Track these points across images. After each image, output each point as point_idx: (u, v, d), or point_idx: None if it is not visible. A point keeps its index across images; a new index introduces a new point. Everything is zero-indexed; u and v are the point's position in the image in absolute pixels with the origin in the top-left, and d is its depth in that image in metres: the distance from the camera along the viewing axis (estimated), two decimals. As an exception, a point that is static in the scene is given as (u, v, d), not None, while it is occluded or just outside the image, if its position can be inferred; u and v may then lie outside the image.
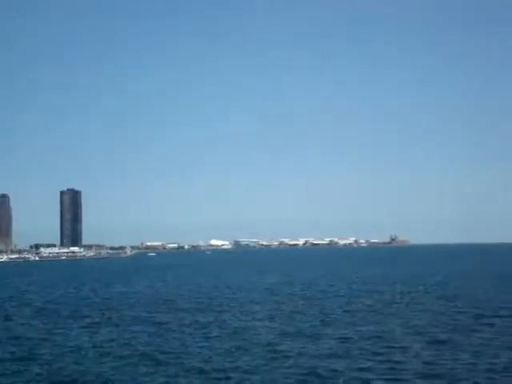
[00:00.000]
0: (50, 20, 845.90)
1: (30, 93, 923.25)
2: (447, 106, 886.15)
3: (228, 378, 32.45)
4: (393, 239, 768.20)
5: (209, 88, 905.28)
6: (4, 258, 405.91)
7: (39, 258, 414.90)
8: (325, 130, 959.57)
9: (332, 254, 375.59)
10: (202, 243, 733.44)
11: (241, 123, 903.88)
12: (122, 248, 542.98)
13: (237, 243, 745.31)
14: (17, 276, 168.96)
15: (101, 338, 46.12)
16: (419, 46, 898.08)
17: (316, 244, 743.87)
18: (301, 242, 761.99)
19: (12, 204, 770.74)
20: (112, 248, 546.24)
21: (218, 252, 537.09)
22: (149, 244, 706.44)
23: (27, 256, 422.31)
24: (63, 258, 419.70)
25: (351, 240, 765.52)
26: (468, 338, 43.66)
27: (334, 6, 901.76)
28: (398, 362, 35.80)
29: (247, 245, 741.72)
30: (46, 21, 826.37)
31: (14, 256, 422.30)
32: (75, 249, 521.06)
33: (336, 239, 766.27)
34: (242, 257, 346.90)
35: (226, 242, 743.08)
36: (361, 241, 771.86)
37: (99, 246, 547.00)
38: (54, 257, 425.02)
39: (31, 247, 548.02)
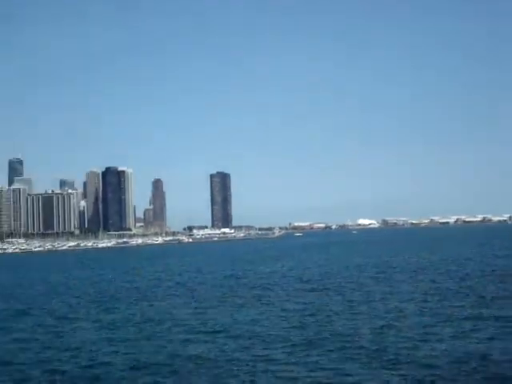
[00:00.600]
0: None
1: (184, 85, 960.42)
2: None
3: None
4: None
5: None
6: (159, 239, 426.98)
7: (192, 239, 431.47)
8: None
9: (487, 232, 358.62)
10: (349, 222, 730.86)
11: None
12: (270, 229, 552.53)
13: (385, 222, 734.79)
14: (172, 256, 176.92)
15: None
16: None
17: (468, 222, 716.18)
18: (452, 219, 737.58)
19: (165, 188, 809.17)
20: (261, 229, 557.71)
21: (365, 231, 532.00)
22: (296, 224, 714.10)
23: (181, 238, 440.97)
24: (215, 239, 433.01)
25: (505, 217, 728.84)
26: None
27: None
28: None
29: (395, 223, 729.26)
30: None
31: (168, 238, 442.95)
32: (226, 230, 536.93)
33: (490, 216, 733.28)
34: (389, 235, 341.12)
35: (374, 221, 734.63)
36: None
37: (249, 227, 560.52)
38: (206, 238, 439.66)
39: (184, 229, 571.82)
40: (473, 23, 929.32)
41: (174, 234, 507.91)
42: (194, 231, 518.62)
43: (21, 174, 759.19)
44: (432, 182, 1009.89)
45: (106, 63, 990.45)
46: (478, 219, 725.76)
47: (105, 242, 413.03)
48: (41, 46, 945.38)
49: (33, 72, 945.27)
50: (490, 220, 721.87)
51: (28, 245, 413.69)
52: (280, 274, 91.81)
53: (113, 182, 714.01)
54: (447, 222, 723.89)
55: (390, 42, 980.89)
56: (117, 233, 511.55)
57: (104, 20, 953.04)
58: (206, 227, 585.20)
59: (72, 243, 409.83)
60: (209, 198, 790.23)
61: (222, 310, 51.85)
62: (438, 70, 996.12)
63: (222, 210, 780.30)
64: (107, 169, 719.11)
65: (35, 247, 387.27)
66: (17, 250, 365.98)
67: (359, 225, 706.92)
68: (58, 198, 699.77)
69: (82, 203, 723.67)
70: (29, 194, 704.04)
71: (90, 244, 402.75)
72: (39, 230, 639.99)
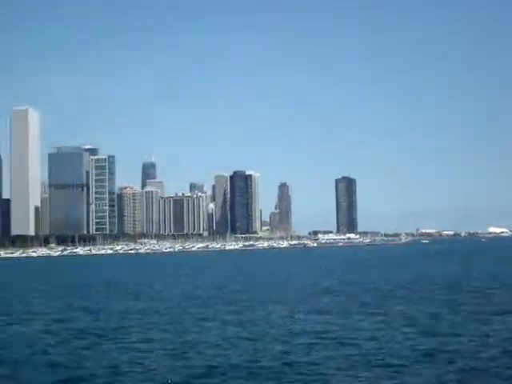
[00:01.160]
0: None
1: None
2: None
3: None
4: None
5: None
6: (285, 243, 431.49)
7: (317, 244, 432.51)
8: None
9: None
10: (479, 230, 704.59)
11: None
12: (396, 235, 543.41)
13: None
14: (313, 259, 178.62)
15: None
16: None
17: None
18: None
19: (291, 192, 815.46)
20: (387, 235, 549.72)
21: (497, 239, 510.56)
22: (424, 231, 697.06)
23: (306, 242, 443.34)
24: (340, 244, 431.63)
25: None
26: None
27: None
28: None
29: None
30: None
31: (293, 242, 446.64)
32: (351, 235, 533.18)
33: None
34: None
35: (506, 230, 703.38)
36: None
37: (374, 233, 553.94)
38: (331, 243, 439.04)
39: (309, 234, 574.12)
40: None
41: (299, 238, 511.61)
42: (319, 236, 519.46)
43: (153, 178, 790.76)
44: None
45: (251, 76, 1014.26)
46: None
47: (232, 245, 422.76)
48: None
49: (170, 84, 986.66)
50: None
51: (159, 245, 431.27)
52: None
53: (240, 185, 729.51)
54: None
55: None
56: (243, 236, 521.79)
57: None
58: (331, 232, 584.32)
59: (201, 245, 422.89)
60: (334, 202, 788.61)
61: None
62: None
63: (347, 215, 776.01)
64: (235, 173, 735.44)
65: (166, 248, 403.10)
66: (149, 251, 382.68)
67: (490, 233, 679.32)
68: (188, 200, 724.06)
69: (211, 206, 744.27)
70: (161, 197, 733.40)
71: (217, 246, 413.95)
72: (170, 231, 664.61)
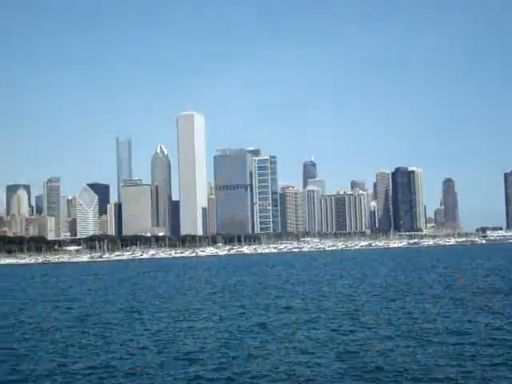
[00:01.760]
0: None
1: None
2: None
3: None
4: None
5: None
6: (451, 241, 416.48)
7: (486, 241, 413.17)
8: None
9: None
10: None
11: None
12: None
13: None
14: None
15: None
16: None
17: None
18: None
19: (457, 188, 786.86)
20: None
21: None
22: None
23: (474, 239, 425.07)
24: (510, 241, 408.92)
25: None
26: None
27: None
28: None
29: None
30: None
31: (460, 239, 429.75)
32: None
33: None
34: None
35: None
36: None
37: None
38: (501, 240, 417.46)
39: (477, 230, 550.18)
40: None
41: (466, 235, 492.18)
42: (488, 232, 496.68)
43: (314, 176, 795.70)
44: None
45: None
46: None
47: (396, 242, 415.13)
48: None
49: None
50: None
51: (322, 244, 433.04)
52: None
53: (403, 182, 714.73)
54: None
55: None
56: (407, 233, 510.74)
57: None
58: (501, 229, 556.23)
59: (364, 243, 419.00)
60: (503, 197, 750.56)
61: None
62: None
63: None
64: (397, 169, 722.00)
65: (329, 246, 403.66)
66: (312, 249, 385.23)
67: None
68: (350, 198, 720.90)
69: (373, 204, 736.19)
70: (322, 196, 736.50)
71: (381, 244, 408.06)
72: (332, 229, 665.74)
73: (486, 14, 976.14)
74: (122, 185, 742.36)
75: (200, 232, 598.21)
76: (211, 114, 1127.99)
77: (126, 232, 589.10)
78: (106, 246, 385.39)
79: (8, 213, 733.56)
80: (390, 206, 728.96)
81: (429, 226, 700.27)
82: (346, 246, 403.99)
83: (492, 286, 75.39)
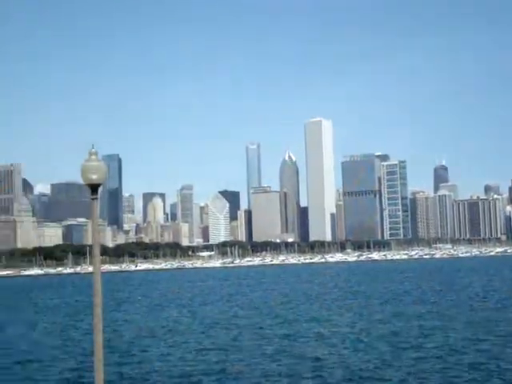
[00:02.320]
0: None
1: None
2: None
3: None
4: None
5: None
6: None
7: None
8: None
9: None
10: None
11: None
12: None
13: None
14: None
15: None
16: None
17: None
18: None
19: None
20: None
21: None
22: None
23: None
24: None
25: None
26: None
27: None
28: None
29: None
30: None
31: None
32: None
33: None
34: None
35: None
36: None
37: None
38: None
39: None
40: None
41: None
42: None
43: (446, 181, 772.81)
44: None
45: None
46: None
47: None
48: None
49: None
50: None
51: (455, 250, 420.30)
52: None
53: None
54: None
55: None
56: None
57: None
58: None
59: (499, 249, 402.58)
60: None
61: None
62: None
63: None
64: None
65: (462, 253, 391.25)
66: (444, 256, 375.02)
67: None
68: (484, 203, 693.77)
69: (508, 208, 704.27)
70: (454, 200, 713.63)
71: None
72: (465, 235, 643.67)
73: None
74: (251, 192, 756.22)
75: (329, 238, 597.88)
76: (338, 119, 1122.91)
77: (255, 238, 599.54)
78: (237, 252, 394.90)
79: (144, 220, 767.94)
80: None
81: None
82: (481, 252, 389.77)
83: None
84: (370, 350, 40.13)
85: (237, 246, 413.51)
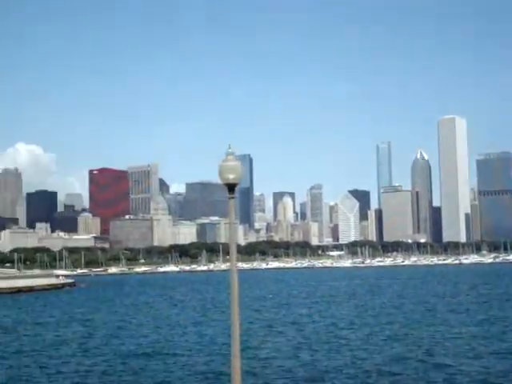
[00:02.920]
0: None
1: None
2: None
3: None
4: None
5: None
6: None
7: None
8: None
9: None
10: None
11: None
12: None
13: None
14: None
15: None
16: None
17: None
18: None
19: None
20: None
21: None
22: None
23: None
24: None
25: None
26: None
27: None
28: None
29: None
30: None
31: None
32: None
33: None
34: None
35: None
36: None
37: None
38: None
39: None
40: None
41: None
42: None
43: None
44: None
45: None
46: None
47: None
48: None
49: None
50: None
51: None
52: None
53: None
54: None
55: None
56: None
57: None
58: None
59: None
60: None
61: None
62: None
63: None
64: None
65: None
66: None
67: None
68: None
69: None
70: None
71: None
72: None
73: None
74: (382, 191, 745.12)
75: (463, 239, 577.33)
76: (472, 116, 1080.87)
77: (386, 238, 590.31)
78: (367, 252, 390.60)
79: (274, 219, 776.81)
80: None
81: None
82: None
83: None
84: None
85: (367, 246, 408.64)
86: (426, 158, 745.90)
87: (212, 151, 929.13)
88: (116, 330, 61.64)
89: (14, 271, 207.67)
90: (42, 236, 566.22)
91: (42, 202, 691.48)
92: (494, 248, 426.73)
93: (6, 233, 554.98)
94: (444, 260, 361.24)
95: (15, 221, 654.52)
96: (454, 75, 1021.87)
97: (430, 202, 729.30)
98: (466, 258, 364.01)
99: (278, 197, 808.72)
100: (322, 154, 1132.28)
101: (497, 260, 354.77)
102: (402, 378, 33.60)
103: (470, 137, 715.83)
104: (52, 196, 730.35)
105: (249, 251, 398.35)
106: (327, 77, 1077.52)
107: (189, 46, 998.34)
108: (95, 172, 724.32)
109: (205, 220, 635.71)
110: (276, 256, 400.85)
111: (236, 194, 13.99)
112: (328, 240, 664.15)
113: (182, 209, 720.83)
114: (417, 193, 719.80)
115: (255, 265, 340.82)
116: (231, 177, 13.86)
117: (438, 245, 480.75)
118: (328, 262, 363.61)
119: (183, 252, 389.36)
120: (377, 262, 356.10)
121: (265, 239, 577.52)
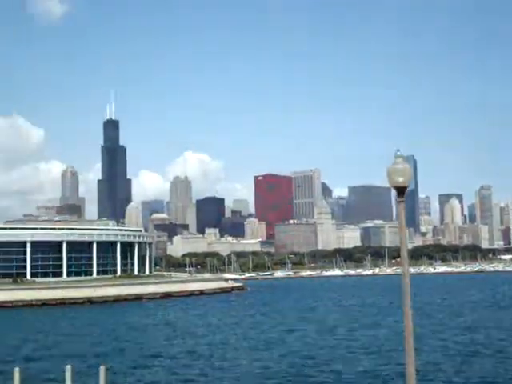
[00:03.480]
0: None
1: None
2: None
3: None
4: None
5: None
6: None
7: None
8: None
9: None
10: None
11: None
12: None
13: None
14: None
15: None
16: None
17: None
18: None
19: None
20: None
21: None
22: None
23: None
24: None
25: None
26: None
27: None
28: None
29: None
30: None
31: None
32: None
33: None
34: None
35: None
36: None
37: None
38: None
39: None
40: None
41: None
42: None
43: None
44: None
45: None
46: None
47: None
48: None
49: None
50: None
51: None
52: None
53: None
54: None
55: None
56: None
57: None
58: None
59: None
60: None
61: None
62: None
63: None
64: None
65: None
66: None
67: None
68: None
69: None
70: None
71: None
72: None
73: None
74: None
75: None
76: None
77: None
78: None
79: (441, 222, 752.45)
80: None
81: None
82: None
83: None
84: None
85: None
86: None
87: (373, 155, 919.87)
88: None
89: (185, 275, 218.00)
90: (212, 241, 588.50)
91: (210, 208, 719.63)
92: None
93: (177, 238, 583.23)
94: None
95: (186, 227, 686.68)
96: None
97: None
98: None
99: (443, 199, 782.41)
100: (490, 153, 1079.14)
101: None
102: None
103: None
104: (220, 202, 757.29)
105: (415, 255, 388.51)
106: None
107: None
108: (260, 178, 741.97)
109: (369, 224, 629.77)
110: (443, 260, 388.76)
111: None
112: (499, 243, 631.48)
113: (345, 213, 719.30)
114: None
115: (422, 269, 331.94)
116: (400, 180, 13.69)
117: None
118: (500, 267, 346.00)
119: (347, 256, 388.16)
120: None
121: (431, 242, 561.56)
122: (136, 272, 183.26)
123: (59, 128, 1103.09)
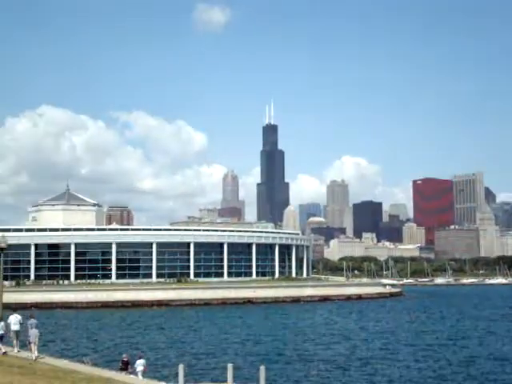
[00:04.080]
0: None
1: None
2: None
3: None
4: None
5: None
6: None
7: None
8: None
9: None
10: None
11: None
12: None
13: None
14: None
15: None
16: None
17: None
18: None
19: None
20: None
21: None
22: None
23: None
24: None
25: None
26: None
27: None
28: None
29: None
30: None
31: None
32: None
33: None
34: None
35: None
36: None
37: None
38: None
39: None
40: None
41: None
42: None
43: None
44: None
45: None
46: None
47: None
48: None
49: None
50: None
51: None
52: None
53: None
54: None
55: None
56: None
57: None
58: None
59: None
60: None
61: None
62: None
63: None
64: None
65: None
66: None
67: None
68: None
69: None
70: None
71: None
72: None
73: None
74: None
75: None
76: None
77: None
78: None
79: None
80: None
81: None
82: None
83: None
84: None
85: None
86: None
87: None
88: None
89: (342, 279, 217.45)
90: (368, 245, 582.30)
91: (367, 212, 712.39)
92: None
93: (334, 242, 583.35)
94: None
95: (343, 230, 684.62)
96: None
97: None
98: None
99: None
100: None
101: None
102: None
103: None
104: (377, 206, 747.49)
105: None
106: None
107: None
108: (419, 182, 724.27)
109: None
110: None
111: None
112: None
113: (510, 218, 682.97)
114: None
115: None
116: None
117: None
118: None
119: (511, 264, 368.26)
120: None
121: None
122: (294, 274, 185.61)
123: (220, 132, 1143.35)
